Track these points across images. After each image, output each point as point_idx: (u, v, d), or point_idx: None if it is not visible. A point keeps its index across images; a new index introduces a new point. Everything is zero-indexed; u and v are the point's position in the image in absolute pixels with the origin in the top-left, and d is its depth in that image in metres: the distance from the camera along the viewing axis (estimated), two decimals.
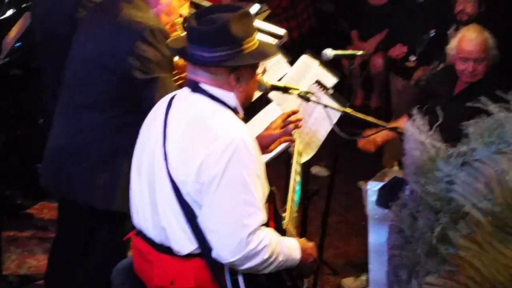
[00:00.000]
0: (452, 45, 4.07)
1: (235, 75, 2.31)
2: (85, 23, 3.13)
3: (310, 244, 2.53)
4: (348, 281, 4.07)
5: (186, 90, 2.37)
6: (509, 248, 1.43)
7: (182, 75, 3.12)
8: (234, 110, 2.34)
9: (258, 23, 3.44)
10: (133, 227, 2.55)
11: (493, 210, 1.45)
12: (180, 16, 3.16)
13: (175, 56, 2.98)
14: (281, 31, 3.55)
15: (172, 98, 2.42)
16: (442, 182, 1.53)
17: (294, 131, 2.84)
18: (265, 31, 3.48)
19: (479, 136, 1.55)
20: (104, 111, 2.96)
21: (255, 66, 2.43)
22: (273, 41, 3.60)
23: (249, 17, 2.35)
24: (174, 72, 3.08)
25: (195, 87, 2.33)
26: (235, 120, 2.31)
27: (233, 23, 2.24)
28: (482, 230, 1.45)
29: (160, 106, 2.44)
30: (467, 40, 3.97)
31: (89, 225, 3.14)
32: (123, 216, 2.83)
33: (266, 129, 2.75)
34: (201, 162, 2.18)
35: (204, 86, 2.31)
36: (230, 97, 2.33)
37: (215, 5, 2.45)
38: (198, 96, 2.32)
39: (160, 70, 2.90)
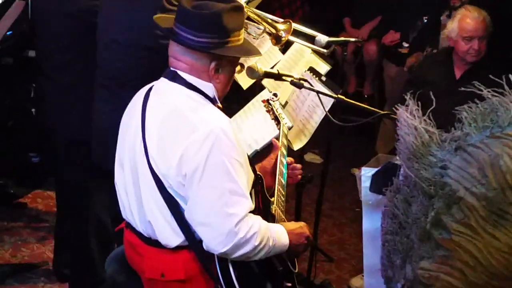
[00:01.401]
0: (452, 27, 4.07)
1: (215, 65, 2.30)
2: (105, 6, 3.13)
3: (298, 224, 2.52)
4: (356, 281, 4.07)
5: (164, 80, 2.36)
6: (502, 232, 1.44)
7: None
8: (212, 100, 2.34)
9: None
10: None
11: (487, 195, 1.45)
12: None
13: (164, 34, 2.98)
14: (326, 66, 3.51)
15: (149, 89, 2.41)
16: (435, 167, 1.53)
17: (279, 114, 2.85)
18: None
19: (473, 121, 1.55)
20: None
21: (236, 61, 2.44)
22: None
23: (242, 12, 2.36)
24: None
25: (174, 76, 2.32)
26: (213, 110, 2.30)
27: (225, 14, 2.24)
28: (476, 214, 1.45)
29: (137, 98, 2.43)
30: (469, 19, 3.98)
31: None
32: None
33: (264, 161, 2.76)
34: (182, 155, 2.17)
35: (183, 74, 2.30)
36: (209, 87, 2.32)
37: None
38: (176, 86, 2.30)
39: None
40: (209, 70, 2.30)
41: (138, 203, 2.35)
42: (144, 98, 2.38)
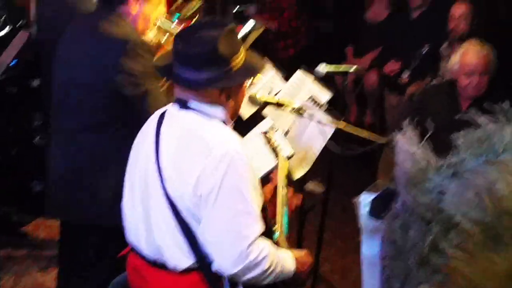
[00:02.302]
0: (454, 61, 4.10)
1: (225, 94, 2.32)
2: (62, 46, 3.09)
3: (302, 253, 2.55)
4: None
5: (175, 107, 2.38)
6: (499, 257, 1.45)
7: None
8: (224, 122, 2.36)
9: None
10: None
11: (483, 220, 1.46)
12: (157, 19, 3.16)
13: (162, 77, 2.99)
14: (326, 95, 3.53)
15: (163, 114, 2.43)
16: (433, 193, 1.55)
17: (277, 146, 2.88)
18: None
19: (469, 147, 1.58)
20: (101, 131, 2.96)
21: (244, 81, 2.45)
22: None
23: (235, 33, 2.36)
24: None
25: (184, 105, 2.34)
26: (227, 132, 2.33)
27: (220, 43, 2.24)
28: (473, 239, 1.47)
29: (150, 123, 2.45)
30: (471, 55, 4.02)
31: (95, 243, 3.14)
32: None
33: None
34: (198, 175, 2.19)
35: (193, 103, 2.32)
36: (219, 111, 2.34)
37: (200, 21, 2.45)
38: (188, 112, 2.33)
39: (148, 82, 2.91)
40: (220, 99, 2.32)
41: (147, 226, 2.37)
42: (158, 122, 2.39)
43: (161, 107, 2.60)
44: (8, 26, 4.55)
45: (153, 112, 2.64)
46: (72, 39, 3.07)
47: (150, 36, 3.20)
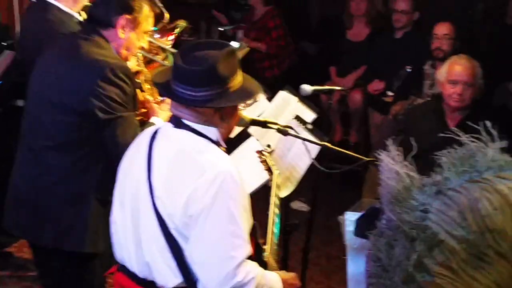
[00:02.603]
0: (442, 70, 4.18)
1: (219, 114, 2.34)
2: (40, 64, 3.07)
3: (291, 275, 2.56)
4: None
5: (169, 125, 2.39)
6: (482, 274, 1.46)
7: (142, 110, 3.13)
8: (216, 143, 2.37)
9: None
10: (102, 266, 2.55)
11: (467, 238, 1.47)
12: (141, 48, 3.18)
13: (159, 92, 2.99)
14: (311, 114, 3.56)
15: (156, 132, 2.43)
16: (417, 211, 1.56)
17: (272, 165, 2.88)
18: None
19: (452, 165, 1.59)
20: (68, 152, 2.92)
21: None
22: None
23: (235, 55, 2.38)
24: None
25: (178, 123, 2.35)
26: (220, 153, 2.34)
27: (220, 63, 2.26)
28: (457, 257, 1.48)
29: (142, 140, 2.46)
30: (456, 64, 4.11)
31: (60, 267, 3.10)
32: (94, 256, 2.82)
33: None
34: (189, 196, 2.20)
35: (187, 122, 2.33)
36: (213, 132, 2.36)
37: (201, 41, 2.47)
38: (181, 131, 2.34)
39: (122, 109, 2.88)
40: (215, 119, 2.33)
41: (136, 244, 2.36)
42: (150, 140, 2.39)
43: (131, 137, 2.60)
44: None
45: (122, 141, 2.64)
46: (51, 58, 3.05)
47: (131, 63, 3.18)
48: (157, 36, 3.75)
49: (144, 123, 3.06)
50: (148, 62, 3.64)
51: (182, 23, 4.81)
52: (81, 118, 2.88)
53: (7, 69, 4.32)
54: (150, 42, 3.53)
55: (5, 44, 4.68)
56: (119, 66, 2.90)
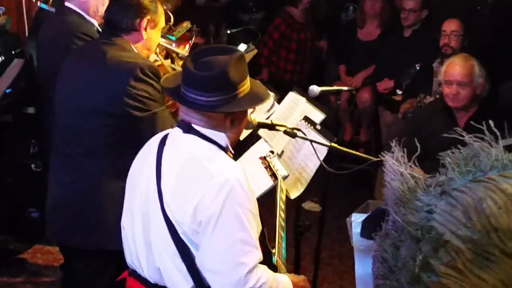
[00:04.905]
0: (441, 71, 4.20)
1: (230, 119, 2.34)
2: (66, 72, 3.13)
3: (301, 278, 2.56)
4: None
5: (178, 131, 2.39)
6: (488, 274, 1.47)
7: (169, 102, 3.22)
8: (225, 149, 2.37)
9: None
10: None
11: (472, 237, 1.48)
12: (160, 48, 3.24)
13: (168, 97, 3.03)
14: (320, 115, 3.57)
15: (164, 137, 2.44)
16: (422, 212, 1.57)
17: (276, 170, 2.89)
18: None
19: (456, 166, 1.60)
20: (103, 157, 2.98)
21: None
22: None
23: (244, 60, 2.38)
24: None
25: (188, 128, 2.35)
26: (228, 160, 2.34)
27: (231, 68, 2.26)
28: (462, 257, 1.49)
29: (151, 146, 2.46)
30: (453, 64, 4.11)
31: (96, 268, 3.14)
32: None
33: None
34: (197, 203, 2.20)
35: (197, 127, 2.34)
36: (222, 137, 2.36)
37: (211, 46, 2.48)
38: (191, 137, 2.34)
39: (156, 104, 2.98)
40: (225, 124, 2.34)
41: (147, 249, 2.37)
42: (159, 145, 2.40)
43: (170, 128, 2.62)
44: (2, 54, 4.58)
45: None
46: (77, 65, 3.10)
47: (151, 59, 3.29)
48: (174, 45, 3.80)
49: (173, 115, 3.17)
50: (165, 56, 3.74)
51: (187, 24, 4.84)
52: (119, 120, 2.94)
53: (17, 77, 4.35)
54: (168, 49, 3.62)
55: (14, 52, 4.71)
56: (147, 65, 2.98)
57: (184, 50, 3.94)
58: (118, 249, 2.95)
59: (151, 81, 2.96)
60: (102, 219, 3.00)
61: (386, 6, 6.67)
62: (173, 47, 3.80)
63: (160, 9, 3.18)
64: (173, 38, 4.00)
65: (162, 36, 3.52)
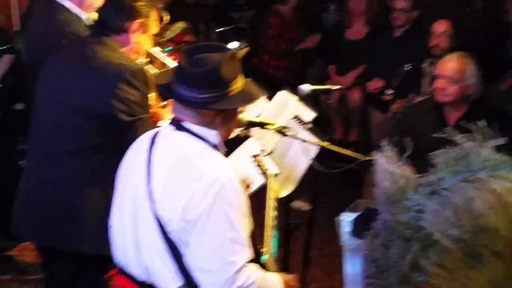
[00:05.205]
0: (437, 65, 4.24)
1: (221, 117, 2.34)
2: (53, 68, 3.09)
3: (291, 277, 2.56)
4: None
5: (169, 128, 2.39)
6: (477, 274, 1.47)
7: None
8: (216, 147, 2.37)
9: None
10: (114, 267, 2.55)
11: (461, 237, 1.49)
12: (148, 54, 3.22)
13: (160, 94, 3.01)
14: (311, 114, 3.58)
15: (155, 135, 2.43)
16: (412, 211, 1.57)
17: (266, 169, 2.89)
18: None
19: (446, 165, 1.60)
20: (87, 158, 2.94)
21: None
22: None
23: (237, 58, 2.39)
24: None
25: (179, 126, 2.35)
26: (219, 159, 2.34)
27: (223, 66, 2.27)
28: (452, 257, 1.49)
29: (142, 144, 2.45)
30: (446, 60, 4.14)
31: (74, 270, 3.10)
32: (109, 258, 2.82)
33: None
34: (187, 201, 2.20)
35: (188, 124, 2.33)
36: (213, 135, 2.36)
37: (204, 43, 2.48)
38: (181, 135, 2.34)
39: (142, 110, 2.95)
40: (216, 121, 2.33)
41: (135, 247, 2.36)
42: (150, 143, 2.40)
43: None
44: None
45: None
46: (65, 62, 3.06)
47: (148, 48, 3.27)
48: (167, 55, 3.77)
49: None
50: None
51: (181, 25, 4.83)
52: (103, 122, 2.91)
53: (6, 73, 4.33)
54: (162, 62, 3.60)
55: (4, 48, 4.69)
56: (137, 69, 2.96)
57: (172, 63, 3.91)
58: (97, 253, 2.94)
59: (139, 86, 2.93)
60: (83, 221, 2.97)
61: (371, 3, 6.69)
62: (162, 57, 3.76)
63: (154, 15, 3.14)
64: (170, 48, 3.95)
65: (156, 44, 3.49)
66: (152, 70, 3.46)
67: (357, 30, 6.73)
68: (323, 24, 7.47)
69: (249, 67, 7.08)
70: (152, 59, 3.63)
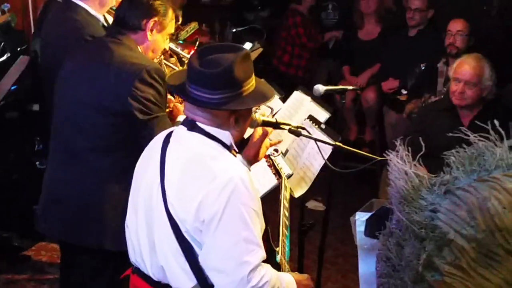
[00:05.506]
0: (452, 67, 4.21)
1: (234, 117, 2.34)
2: (71, 67, 3.12)
3: (305, 276, 2.56)
4: None
5: (183, 128, 2.40)
6: (492, 273, 1.47)
7: (168, 109, 3.22)
8: (229, 147, 2.37)
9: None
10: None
11: (476, 237, 1.48)
12: (164, 50, 3.23)
13: (173, 94, 3.03)
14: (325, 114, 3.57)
15: (169, 135, 2.44)
16: (426, 210, 1.57)
17: (280, 168, 2.89)
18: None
19: (461, 165, 1.60)
20: (107, 155, 2.98)
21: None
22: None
23: (250, 58, 2.39)
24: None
25: (192, 126, 2.35)
26: (232, 159, 2.35)
27: (236, 66, 2.27)
28: (466, 256, 1.48)
29: (156, 144, 2.46)
30: (463, 63, 4.12)
31: (95, 266, 3.13)
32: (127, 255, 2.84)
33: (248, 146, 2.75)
34: (200, 201, 2.20)
35: (201, 125, 2.34)
36: (226, 135, 2.36)
37: (217, 44, 2.49)
38: (195, 135, 2.34)
39: (158, 109, 2.97)
40: (229, 122, 2.34)
41: (150, 247, 2.37)
42: (164, 143, 2.41)
43: None
44: (8, 51, 4.59)
45: None
46: (83, 61, 3.10)
47: (166, 47, 3.33)
48: (180, 48, 3.80)
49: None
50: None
51: (195, 25, 4.85)
52: (120, 120, 2.94)
53: (22, 74, 4.36)
54: (176, 52, 3.62)
55: (20, 49, 4.72)
56: (154, 68, 2.98)
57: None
58: (118, 249, 2.95)
59: (156, 84, 2.95)
60: (104, 217, 3.00)
61: (380, 2, 6.69)
62: (180, 50, 3.80)
63: (171, 15, 3.16)
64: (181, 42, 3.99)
65: (171, 41, 3.52)
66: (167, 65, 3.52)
67: (370, 30, 6.74)
68: (323, 24, 7.47)
69: (270, 68, 7.13)
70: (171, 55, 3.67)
